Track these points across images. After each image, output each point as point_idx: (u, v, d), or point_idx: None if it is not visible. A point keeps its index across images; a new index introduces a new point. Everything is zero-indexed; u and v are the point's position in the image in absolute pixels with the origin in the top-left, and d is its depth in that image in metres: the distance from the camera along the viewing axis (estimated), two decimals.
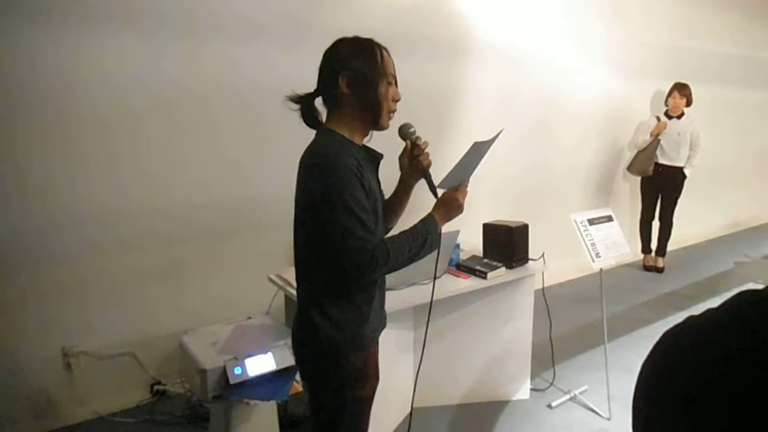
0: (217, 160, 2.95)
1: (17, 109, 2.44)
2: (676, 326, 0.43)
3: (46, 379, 2.64)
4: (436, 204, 1.56)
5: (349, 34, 1.46)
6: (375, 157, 1.51)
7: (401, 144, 1.59)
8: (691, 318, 0.42)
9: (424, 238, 1.45)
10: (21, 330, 2.56)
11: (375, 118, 1.46)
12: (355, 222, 1.32)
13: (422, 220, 1.50)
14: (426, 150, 1.57)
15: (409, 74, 3.53)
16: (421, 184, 1.59)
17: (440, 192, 1.58)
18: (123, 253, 2.76)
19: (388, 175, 1.59)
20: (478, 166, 1.61)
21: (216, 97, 2.83)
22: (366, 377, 1.51)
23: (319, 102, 1.48)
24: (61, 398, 2.69)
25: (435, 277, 1.81)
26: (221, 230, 2.95)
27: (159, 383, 2.91)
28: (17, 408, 2.58)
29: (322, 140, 1.42)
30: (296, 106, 1.46)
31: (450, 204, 1.54)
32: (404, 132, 1.58)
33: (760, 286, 0.41)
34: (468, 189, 1.59)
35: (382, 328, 1.60)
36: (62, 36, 2.46)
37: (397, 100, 1.49)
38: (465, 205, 1.57)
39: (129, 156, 2.72)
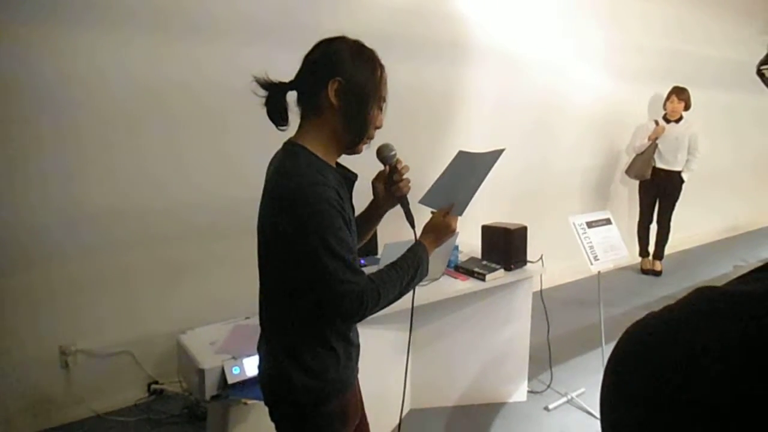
0: (216, 160, 2.96)
1: (14, 108, 2.44)
2: (637, 323, 0.42)
3: (44, 378, 2.64)
4: (425, 229, 1.41)
5: (349, 35, 1.29)
6: (349, 179, 1.32)
7: (369, 159, 1.40)
8: (650, 314, 0.42)
9: (415, 270, 1.30)
10: (18, 329, 2.56)
11: (354, 141, 1.26)
12: (339, 264, 1.15)
13: (411, 249, 1.34)
14: (405, 175, 1.41)
15: (407, 76, 3.58)
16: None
17: (416, 210, 1.44)
18: (121, 252, 2.76)
19: (357, 193, 1.37)
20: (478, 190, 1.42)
21: (215, 96, 2.84)
22: (347, 418, 1.36)
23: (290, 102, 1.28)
24: (59, 397, 2.69)
25: (414, 289, 1.50)
26: (220, 229, 2.96)
27: (156, 382, 2.91)
28: (15, 407, 2.58)
29: (294, 164, 1.19)
30: (262, 93, 1.26)
31: (442, 230, 1.39)
32: (384, 154, 1.39)
33: None
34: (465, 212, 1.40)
35: (358, 356, 1.43)
36: (60, 35, 2.47)
37: (379, 128, 1.30)
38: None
39: (127, 156, 2.72)
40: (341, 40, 1.25)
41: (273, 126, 1.29)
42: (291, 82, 1.27)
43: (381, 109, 1.29)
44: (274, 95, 1.26)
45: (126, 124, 2.70)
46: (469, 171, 1.47)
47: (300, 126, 1.28)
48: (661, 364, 0.38)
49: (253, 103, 1.27)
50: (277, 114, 1.27)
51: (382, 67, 1.27)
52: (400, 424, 1.84)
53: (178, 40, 2.75)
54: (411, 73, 3.56)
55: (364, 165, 1.41)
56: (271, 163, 1.30)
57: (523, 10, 4.18)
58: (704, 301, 0.40)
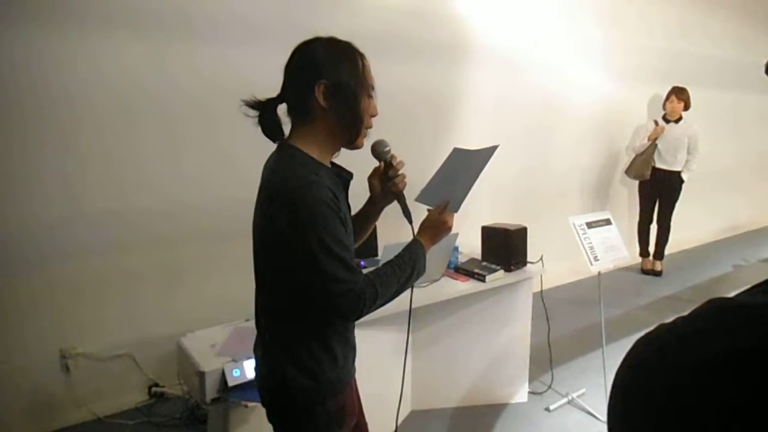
0: (215, 162, 2.96)
1: (13, 109, 2.44)
2: (647, 334, 0.42)
3: (44, 381, 2.64)
4: (421, 226, 1.40)
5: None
6: (345, 178, 1.32)
7: (365, 157, 1.39)
8: (661, 325, 0.42)
9: (412, 268, 1.30)
10: (19, 332, 2.56)
11: (352, 137, 1.27)
12: (336, 264, 1.15)
13: (408, 247, 1.34)
14: (401, 171, 1.41)
15: (407, 77, 3.58)
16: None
17: (414, 207, 1.44)
18: (121, 255, 2.76)
19: (354, 193, 1.38)
20: (473, 186, 1.41)
21: (213, 98, 2.84)
22: (344, 418, 1.36)
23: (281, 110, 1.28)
24: (59, 400, 2.68)
25: (412, 290, 1.53)
26: (219, 231, 2.96)
27: (157, 385, 2.91)
28: (15, 409, 2.58)
29: (289, 165, 1.20)
30: (254, 113, 1.26)
31: (438, 227, 1.39)
32: (378, 150, 1.38)
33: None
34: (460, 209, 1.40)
35: (354, 357, 1.42)
36: (60, 37, 2.47)
37: (375, 116, 1.30)
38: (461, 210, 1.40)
39: (126, 158, 2.72)
40: (315, 41, 1.25)
41: None
42: (278, 95, 1.27)
43: (371, 97, 1.28)
44: (265, 113, 1.26)
45: (125, 127, 2.70)
46: (465, 168, 1.47)
47: (293, 129, 1.28)
48: (676, 374, 0.37)
49: (243, 112, 1.27)
50: (272, 130, 1.27)
51: (362, 55, 1.26)
52: (396, 429, 1.84)
53: (177, 43, 2.75)
54: (411, 74, 3.56)
55: (359, 163, 1.41)
56: (266, 165, 1.30)
57: (522, 11, 4.18)
58: (718, 313, 0.39)
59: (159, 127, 2.79)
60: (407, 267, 1.30)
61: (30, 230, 2.51)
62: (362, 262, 2.69)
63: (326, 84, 1.19)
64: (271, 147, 1.31)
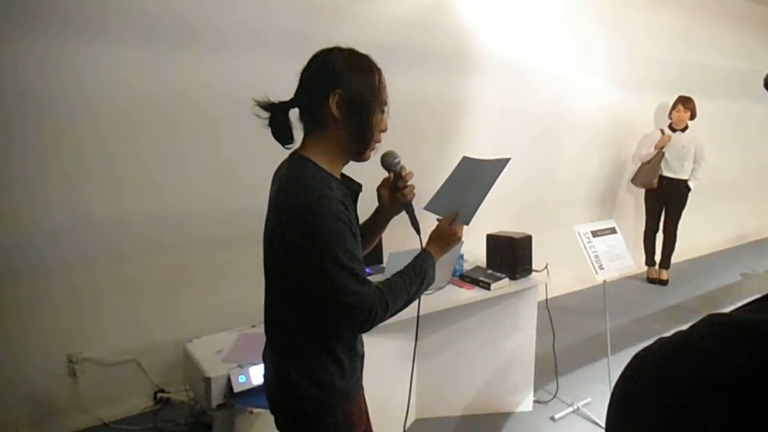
0: (220, 170, 2.98)
1: (14, 117, 2.45)
2: (646, 348, 0.43)
3: (51, 386, 2.65)
4: (431, 236, 1.42)
5: (354, 47, 1.28)
6: (354, 190, 1.32)
7: (374, 167, 1.39)
8: (660, 339, 0.42)
9: (422, 279, 1.32)
10: (26, 336, 2.58)
11: (361, 149, 1.27)
12: (348, 277, 1.17)
13: (418, 257, 1.36)
14: (410, 182, 1.42)
15: (412, 86, 3.60)
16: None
17: (422, 216, 1.46)
18: (128, 261, 2.77)
19: (361, 202, 1.38)
20: (484, 201, 1.42)
21: (216, 106, 2.86)
22: (351, 427, 1.37)
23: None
24: (65, 405, 2.70)
25: (420, 297, 1.50)
26: (225, 238, 2.98)
27: (163, 391, 2.92)
28: (21, 414, 2.59)
29: (301, 177, 1.20)
30: (265, 114, 1.26)
31: (448, 238, 1.41)
32: (388, 162, 1.39)
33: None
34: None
35: (362, 367, 1.44)
36: (61, 44, 2.49)
37: (384, 131, 1.30)
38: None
39: (131, 165, 2.74)
40: (335, 51, 1.25)
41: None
42: (292, 99, 1.27)
43: (384, 113, 1.29)
44: (276, 115, 1.26)
45: (128, 134, 2.71)
46: (475, 178, 1.47)
47: (304, 139, 1.28)
48: (674, 390, 0.38)
49: (255, 113, 1.28)
50: (281, 133, 1.27)
51: (379, 71, 1.27)
52: None
53: (180, 50, 2.77)
54: (416, 83, 3.58)
55: (368, 172, 1.42)
56: (276, 175, 1.31)
57: (527, 20, 4.21)
58: (716, 329, 0.40)
59: (163, 135, 2.81)
60: (417, 278, 1.31)
61: (33, 237, 2.53)
62: (367, 269, 2.70)
63: (341, 94, 1.20)
64: (277, 155, 1.32)
